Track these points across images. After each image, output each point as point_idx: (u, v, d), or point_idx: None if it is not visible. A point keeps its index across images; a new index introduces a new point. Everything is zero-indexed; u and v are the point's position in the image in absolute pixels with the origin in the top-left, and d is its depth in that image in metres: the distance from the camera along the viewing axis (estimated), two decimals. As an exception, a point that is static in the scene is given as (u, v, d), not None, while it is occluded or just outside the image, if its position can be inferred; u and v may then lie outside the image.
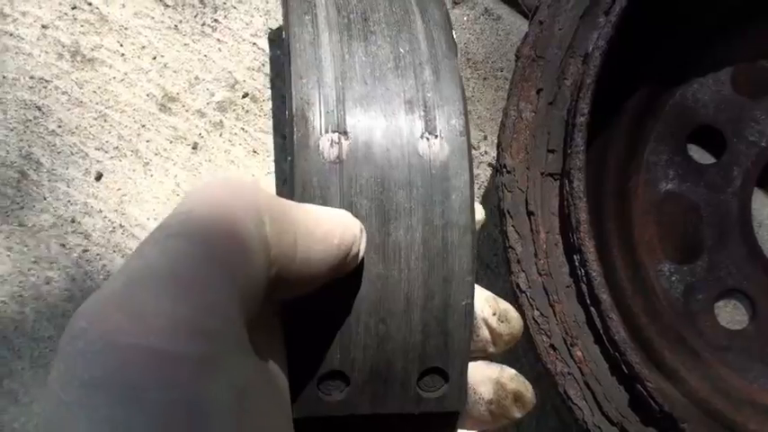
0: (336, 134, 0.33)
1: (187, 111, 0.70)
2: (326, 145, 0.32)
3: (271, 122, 0.69)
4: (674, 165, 0.63)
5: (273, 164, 0.68)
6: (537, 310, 0.51)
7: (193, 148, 0.69)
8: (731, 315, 0.61)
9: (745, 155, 0.62)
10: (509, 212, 0.53)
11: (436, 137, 0.33)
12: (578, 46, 0.55)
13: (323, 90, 0.33)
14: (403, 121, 0.33)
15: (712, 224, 0.61)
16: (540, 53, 0.55)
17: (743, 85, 0.64)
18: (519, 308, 0.52)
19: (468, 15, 0.70)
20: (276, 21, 0.71)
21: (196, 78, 0.70)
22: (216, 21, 0.72)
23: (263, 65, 0.70)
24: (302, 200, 0.31)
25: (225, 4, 0.71)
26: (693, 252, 0.61)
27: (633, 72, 0.62)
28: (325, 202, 0.32)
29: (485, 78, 0.69)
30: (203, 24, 0.72)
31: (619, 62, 0.58)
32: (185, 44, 0.71)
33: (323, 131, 0.32)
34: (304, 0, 0.37)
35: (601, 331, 0.49)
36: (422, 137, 0.33)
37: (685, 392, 0.58)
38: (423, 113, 0.34)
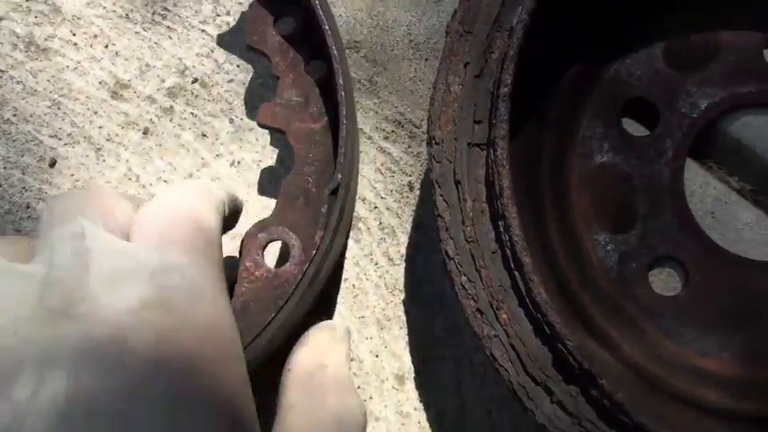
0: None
1: (138, 97, 0.71)
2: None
3: (219, 107, 0.70)
4: (609, 138, 0.64)
5: (221, 146, 0.70)
6: (464, 275, 0.53)
7: (144, 134, 0.70)
8: (665, 282, 0.63)
9: (678, 126, 0.64)
10: (438, 182, 0.54)
11: None
12: (504, 20, 0.56)
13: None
14: None
15: (645, 194, 0.63)
16: (468, 28, 0.57)
17: (675, 58, 0.65)
18: (448, 274, 0.54)
19: (412, -1, 0.72)
20: (224, 8, 0.73)
21: (147, 65, 0.72)
22: (166, 9, 0.73)
23: (212, 51, 0.72)
24: None
25: (174, -8, 0.73)
26: (627, 222, 0.63)
27: (567, 48, 0.64)
28: None
29: (426, 59, 0.70)
30: (153, 13, 0.73)
31: (551, 38, 0.60)
32: (136, 32, 0.73)
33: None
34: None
35: (524, 293, 0.51)
36: None
37: (620, 358, 0.60)
38: None
